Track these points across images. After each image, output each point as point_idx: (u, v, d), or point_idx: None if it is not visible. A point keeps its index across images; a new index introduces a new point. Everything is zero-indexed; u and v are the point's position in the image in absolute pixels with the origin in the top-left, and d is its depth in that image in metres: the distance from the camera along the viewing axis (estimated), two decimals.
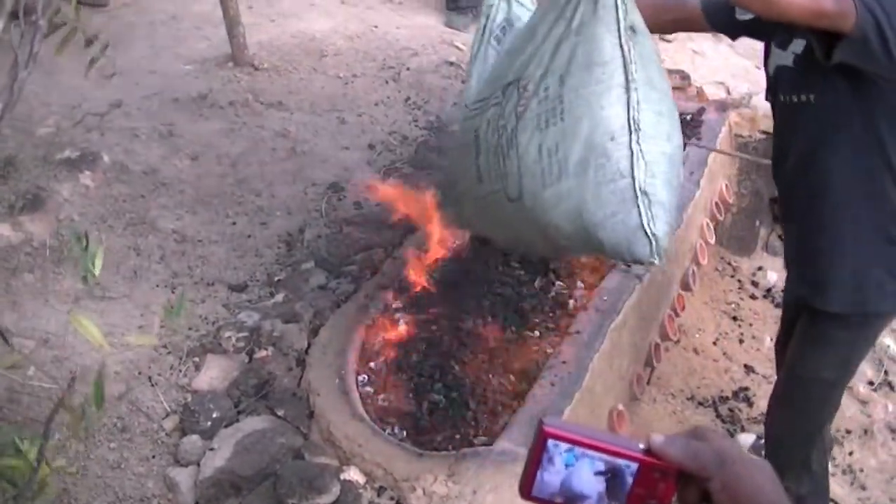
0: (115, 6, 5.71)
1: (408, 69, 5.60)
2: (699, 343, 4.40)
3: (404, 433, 2.79)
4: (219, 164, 4.26)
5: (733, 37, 3.07)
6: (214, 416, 2.85)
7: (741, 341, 4.52)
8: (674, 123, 2.39)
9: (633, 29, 2.29)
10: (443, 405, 2.87)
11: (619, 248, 2.29)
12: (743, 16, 2.74)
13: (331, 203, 4.14)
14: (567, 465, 0.98)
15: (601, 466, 0.98)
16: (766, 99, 2.92)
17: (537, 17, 2.46)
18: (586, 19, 2.29)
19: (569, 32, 2.31)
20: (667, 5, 2.96)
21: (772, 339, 4.57)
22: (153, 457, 2.81)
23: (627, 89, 2.26)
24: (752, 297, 4.87)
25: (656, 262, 2.28)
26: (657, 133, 2.30)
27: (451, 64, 5.72)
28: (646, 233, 2.23)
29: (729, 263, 5.07)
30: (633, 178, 2.23)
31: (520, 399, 2.86)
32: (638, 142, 2.26)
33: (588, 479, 0.98)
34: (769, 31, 2.74)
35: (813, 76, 2.63)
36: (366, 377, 2.97)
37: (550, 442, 0.98)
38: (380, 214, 3.90)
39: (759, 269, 5.15)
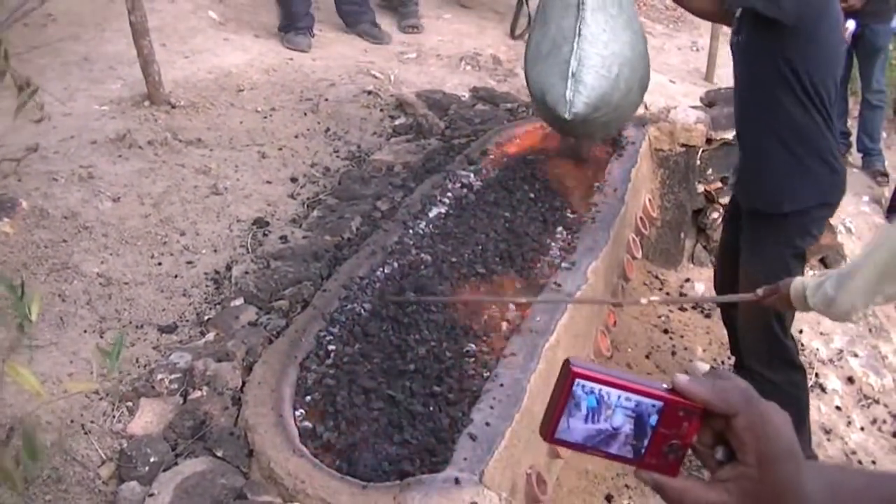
0: (24, 49, 5.62)
1: (326, 100, 5.60)
2: (632, 358, 4.44)
3: (346, 466, 2.76)
4: (141, 204, 4.20)
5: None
6: (152, 460, 2.78)
7: (673, 353, 4.57)
8: (615, 38, 3.89)
9: None
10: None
11: (553, 106, 3.89)
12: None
13: (256, 238, 4.10)
14: (590, 407, 0.99)
15: (628, 408, 0.98)
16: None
17: None
18: None
19: None
20: None
21: (704, 350, 4.65)
22: None
23: (578, 9, 3.85)
24: (682, 308, 4.93)
25: (567, 117, 3.83)
26: (596, 41, 3.84)
27: (370, 93, 5.73)
28: (566, 99, 3.83)
29: (656, 277, 5.14)
30: (569, 64, 3.83)
31: (459, 424, 2.85)
32: (579, 44, 3.83)
33: (613, 420, 0.99)
34: None
35: (741, 22, 3.58)
36: (303, 412, 2.94)
37: (577, 382, 0.98)
38: (307, 247, 3.88)
39: (687, 280, 5.22)
